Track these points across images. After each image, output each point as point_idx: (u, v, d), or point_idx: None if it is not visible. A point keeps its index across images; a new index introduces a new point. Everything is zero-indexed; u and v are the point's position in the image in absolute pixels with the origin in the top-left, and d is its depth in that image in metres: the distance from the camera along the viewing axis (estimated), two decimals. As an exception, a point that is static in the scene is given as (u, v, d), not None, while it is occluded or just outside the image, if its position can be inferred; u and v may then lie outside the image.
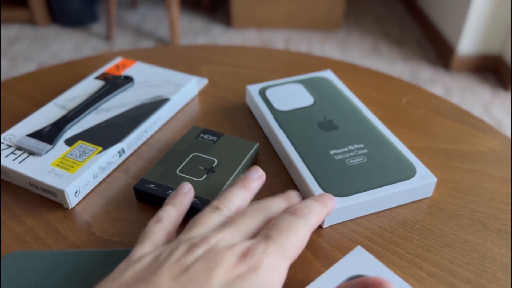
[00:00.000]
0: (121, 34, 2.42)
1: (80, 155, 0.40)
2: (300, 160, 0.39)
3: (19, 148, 0.41)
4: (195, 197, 0.36)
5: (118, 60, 0.54)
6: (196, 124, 0.47)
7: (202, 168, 0.39)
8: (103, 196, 0.39)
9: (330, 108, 0.46)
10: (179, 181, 0.38)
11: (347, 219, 0.37)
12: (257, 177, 0.33)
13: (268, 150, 0.44)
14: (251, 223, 0.28)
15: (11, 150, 0.41)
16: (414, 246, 0.35)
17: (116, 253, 0.32)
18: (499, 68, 2.01)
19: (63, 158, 0.40)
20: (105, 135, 0.42)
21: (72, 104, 0.46)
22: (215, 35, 2.44)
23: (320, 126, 0.43)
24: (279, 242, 0.25)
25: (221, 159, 0.40)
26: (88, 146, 0.41)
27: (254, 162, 0.42)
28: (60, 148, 0.41)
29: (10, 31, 2.46)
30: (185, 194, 0.33)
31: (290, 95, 0.48)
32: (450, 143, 0.45)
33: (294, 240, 0.26)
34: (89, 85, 0.50)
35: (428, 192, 0.38)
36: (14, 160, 0.39)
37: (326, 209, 0.30)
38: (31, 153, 0.40)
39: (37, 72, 0.57)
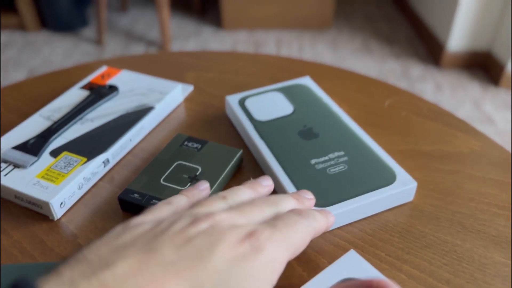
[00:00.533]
0: (112, 38, 2.42)
1: (65, 166, 0.40)
2: (281, 171, 0.39)
3: (4, 161, 0.41)
4: None
5: (103, 69, 0.55)
6: (181, 132, 0.48)
7: (186, 176, 0.39)
8: (88, 206, 0.40)
9: (309, 116, 0.46)
10: (163, 190, 0.38)
11: (333, 228, 0.37)
12: (265, 185, 0.32)
13: (251, 156, 0.45)
14: (257, 213, 0.27)
15: (-4, 162, 0.41)
16: (395, 248, 0.35)
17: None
18: (489, 64, 2.03)
19: (48, 170, 0.40)
20: (90, 145, 0.43)
21: (57, 115, 0.47)
22: (206, 37, 2.44)
23: (300, 135, 0.43)
24: (283, 233, 0.25)
25: (205, 167, 0.40)
26: (73, 157, 0.41)
27: (238, 168, 0.43)
28: (45, 159, 0.41)
29: None
30: (201, 191, 0.32)
31: (270, 104, 0.48)
32: (431, 144, 0.46)
33: (297, 236, 0.26)
34: (75, 95, 0.50)
35: (409, 196, 0.39)
36: (-1, 172, 0.40)
37: (327, 222, 0.30)
38: (16, 165, 0.40)
39: (23, 83, 0.57)
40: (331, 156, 0.41)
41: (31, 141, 0.43)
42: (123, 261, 0.21)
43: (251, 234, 0.24)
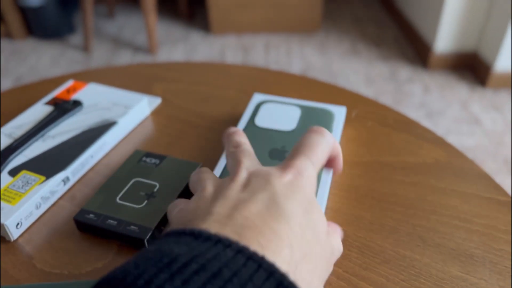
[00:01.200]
0: (99, 45, 2.41)
1: (23, 185, 0.40)
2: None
3: (-39, 181, 0.40)
4: (134, 224, 0.36)
5: (69, 83, 0.54)
6: (140, 149, 0.47)
7: (143, 193, 0.39)
8: (47, 226, 0.39)
9: (296, 139, 0.44)
10: (119, 209, 0.38)
11: None
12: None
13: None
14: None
15: (-47, 183, 0.40)
16: (353, 264, 0.35)
17: (54, 286, 0.32)
18: (476, 65, 2.03)
19: (5, 190, 0.39)
20: (49, 163, 0.42)
21: (19, 132, 0.46)
22: (194, 41, 2.44)
23: (270, 153, 0.42)
24: (309, 155, 0.30)
25: (162, 183, 0.40)
26: (32, 176, 0.41)
27: None
28: (4, 179, 0.41)
29: (-13, 46, 2.44)
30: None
31: (280, 115, 0.46)
32: (395, 156, 0.46)
33: (319, 154, 0.31)
34: (38, 111, 0.49)
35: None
36: (-45, 194, 0.39)
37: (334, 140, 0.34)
38: (-27, 186, 0.40)
39: (-10, 98, 0.57)
40: None
41: (-10, 160, 0.42)
42: (253, 204, 0.26)
43: (287, 166, 0.29)
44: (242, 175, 0.29)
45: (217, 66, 0.63)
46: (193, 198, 0.29)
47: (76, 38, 2.49)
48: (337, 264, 0.35)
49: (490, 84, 1.92)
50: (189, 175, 0.41)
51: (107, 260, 0.36)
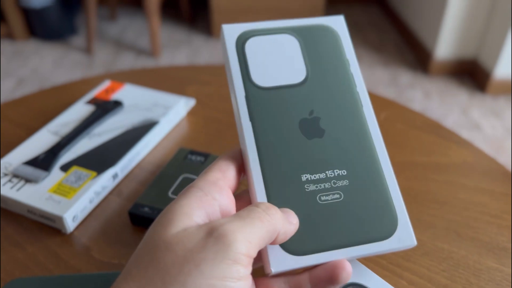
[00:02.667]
0: (102, 47, 2.42)
1: (76, 180, 0.42)
2: (260, 181, 0.29)
3: (15, 176, 0.42)
4: None
5: (106, 84, 0.56)
6: (184, 146, 0.49)
7: None
8: (99, 219, 0.41)
9: (322, 94, 0.33)
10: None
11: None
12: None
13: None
14: None
15: (8, 178, 0.42)
16: (396, 256, 0.37)
17: (116, 276, 0.34)
18: (476, 71, 2.07)
19: (59, 184, 0.41)
20: (99, 160, 0.44)
21: (65, 130, 0.48)
22: (197, 45, 2.46)
23: (301, 127, 0.31)
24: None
25: None
26: (83, 171, 0.43)
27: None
28: (56, 174, 0.42)
29: (-11, 46, 2.44)
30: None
31: (278, 56, 0.34)
32: (426, 156, 0.48)
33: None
34: (80, 110, 0.51)
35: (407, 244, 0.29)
36: (11, 188, 0.41)
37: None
38: (27, 180, 0.42)
39: (27, 98, 0.58)
40: (329, 174, 0.30)
41: (41, 156, 0.44)
42: None
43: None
44: None
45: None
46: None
47: (78, 40, 2.50)
48: (381, 256, 0.37)
49: (490, 90, 1.96)
50: None
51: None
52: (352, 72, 0.34)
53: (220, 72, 0.65)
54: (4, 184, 0.41)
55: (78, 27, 2.64)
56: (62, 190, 0.41)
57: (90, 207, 0.41)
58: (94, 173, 0.43)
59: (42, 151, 0.45)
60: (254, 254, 0.23)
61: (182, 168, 0.44)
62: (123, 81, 0.62)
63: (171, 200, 0.40)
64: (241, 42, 0.34)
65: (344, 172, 0.31)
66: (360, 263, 0.32)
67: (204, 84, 0.62)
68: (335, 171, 0.31)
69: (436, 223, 0.40)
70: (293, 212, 0.28)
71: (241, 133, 0.31)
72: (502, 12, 1.84)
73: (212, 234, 0.22)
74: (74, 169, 0.43)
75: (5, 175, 0.42)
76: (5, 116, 0.55)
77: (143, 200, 0.40)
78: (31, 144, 0.46)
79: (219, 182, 0.27)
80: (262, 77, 0.33)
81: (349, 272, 0.26)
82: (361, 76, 0.36)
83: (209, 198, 0.25)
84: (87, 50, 2.35)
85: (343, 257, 0.28)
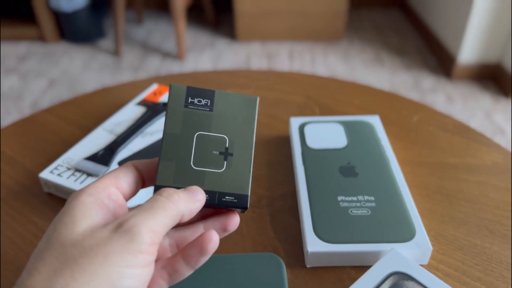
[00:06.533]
0: (129, 49, 2.49)
1: (133, 175, 0.45)
2: (306, 198, 0.42)
3: (77, 170, 0.46)
4: (228, 194, 0.30)
5: (154, 87, 0.60)
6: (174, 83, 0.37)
7: (216, 152, 0.30)
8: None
9: (358, 154, 0.47)
10: (199, 178, 0.30)
11: (336, 265, 0.39)
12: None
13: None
14: None
15: (71, 172, 0.46)
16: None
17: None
18: (499, 76, 2.07)
19: (118, 178, 0.45)
20: (152, 157, 0.48)
21: (119, 129, 0.52)
22: (221, 48, 2.50)
23: (340, 171, 0.45)
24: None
25: (230, 133, 0.31)
26: (139, 167, 0.46)
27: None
28: (114, 169, 0.46)
29: (20, 48, 2.53)
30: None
31: (326, 134, 0.50)
32: (458, 157, 0.51)
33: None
34: (132, 111, 0.55)
35: (423, 259, 0.39)
36: (75, 181, 0.45)
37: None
38: (89, 174, 0.46)
39: (78, 99, 0.63)
40: (360, 198, 0.42)
41: (100, 152, 0.48)
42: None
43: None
44: None
45: (279, 74, 0.69)
46: None
47: (106, 43, 2.57)
48: (417, 249, 0.40)
49: (514, 95, 1.96)
50: (252, 116, 0.32)
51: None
52: (383, 145, 0.49)
53: (255, 76, 0.68)
54: (68, 177, 0.45)
55: (106, 30, 2.71)
56: (121, 184, 0.44)
57: (146, 199, 0.45)
58: (149, 169, 0.46)
59: (100, 147, 0.49)
60: (160, 240, 0.24)
61: (189, 121, 0.31)
62: (166, 84, 0.66)
63: (198, 173, 0.30)
64: (301, 126, 0.52)
65: (372, 198, 0.42)
66: (404, 256, 0.35)
67: (243, 88, 0.65)
68: (364, 196, 0.43)
69: (468, 220, 0.43)
70: (199, 188, 0.28)
71: (296, 174, 0.46)
72: (528, 17, 1.84)
73: (117, 230, 0.23)
74: (130, 165, 0.47)
75: (68, 169, 0.47)
76: (61, 115, 0.59)
77: (163, 181, 0.29)
78: (88, 141, 0.50)
79: (110, 189, 0.27)
80: (314, 144, 0.49)
81: (216, 242, 0.27)
82: (392, 150, 0.50)
83: (99, 202, 0.26)
84: (115, 52, 2.42)
85: (367, 249, 0.38)
